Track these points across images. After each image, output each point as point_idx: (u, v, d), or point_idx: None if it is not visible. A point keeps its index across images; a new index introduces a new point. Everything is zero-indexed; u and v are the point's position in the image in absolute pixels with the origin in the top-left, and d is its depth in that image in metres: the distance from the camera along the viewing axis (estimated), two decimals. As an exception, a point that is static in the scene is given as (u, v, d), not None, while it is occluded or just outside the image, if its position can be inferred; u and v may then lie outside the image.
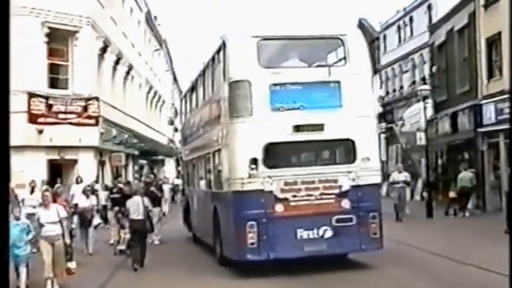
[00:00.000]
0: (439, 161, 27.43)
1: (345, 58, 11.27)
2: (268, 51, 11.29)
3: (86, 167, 22.77)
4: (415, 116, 28.30)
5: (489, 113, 20.99)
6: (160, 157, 44.62)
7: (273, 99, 10.76)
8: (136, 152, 33.82)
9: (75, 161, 22.86)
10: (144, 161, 38.43)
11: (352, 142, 10.97)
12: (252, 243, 10.41)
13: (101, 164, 25.50)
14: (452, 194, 21.69)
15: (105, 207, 16.99)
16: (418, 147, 27.94)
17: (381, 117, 38.47)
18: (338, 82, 11.01)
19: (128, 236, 12.97)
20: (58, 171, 21.67)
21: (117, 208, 15.08)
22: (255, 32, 11.07)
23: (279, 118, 10.69)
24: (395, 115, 35.15)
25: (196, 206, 15.90)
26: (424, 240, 14.49)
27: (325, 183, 10.80)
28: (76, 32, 22.98)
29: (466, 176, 21.12)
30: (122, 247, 14.05)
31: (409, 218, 20.11)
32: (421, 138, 26.34)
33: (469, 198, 21.29)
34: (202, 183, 14.70)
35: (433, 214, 20.46)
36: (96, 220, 15.19)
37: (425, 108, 24.12)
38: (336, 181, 10.84)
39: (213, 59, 12.66)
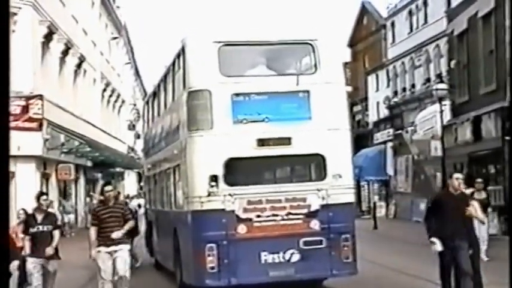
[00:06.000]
0: (459, 176, 27.29)
1: (315, 65, 12.40)
2: (230, 58, 12.32)
3: (26, 181, 22.66)
4: (429, 120, 28.46)
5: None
6: (118, 169, 44.52)
7: (235, 111, 11.80)
8: (89, 163, 33.78)
9: (12, 174, 22.48)
10: (98, 174, 38.41)
11: (323, 157, 12.06)
12: (212, 268, 11.44)
13: (45, 177, 25.33)
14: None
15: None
16: (433, 158, 27.97)
17: (388, 122, 38.53)
18: (307, 92, 12.08)
19: None
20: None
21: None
22: (216, 37, 12.23)
23: (241, 131, 11.76)
24: (405, 120, 35.43)
25: (158, 228, 17.13)
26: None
27: (293, 202, 11.84)
28: (13, 14, 22.70)
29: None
30: None
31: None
32: (436, 148, 26.47)
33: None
34: (163, 202, 15.87)
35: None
36: None
37: (441, 111, 24.34)
38: (304, 200, 11.88)
39: (173, 64, 13.82)
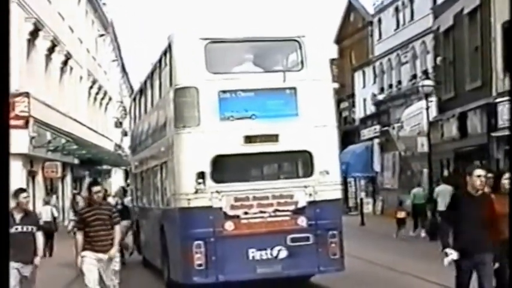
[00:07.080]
0: (445, 172, 27.47)
1: (302, 62, 12.42)
2: (217, 55, 12.35)
3: (12, 179, 22.19)
4: (416, 117, 28.56)
5: (505, 113, 21.02)
6: (105, 167, 44.39)
7: (222, 108, 11.82)
8: (75, 161, 33.65)
9: (-2, 172, 22.33)
10: (85, 172, 38.23)
11: (310, 154, 12.09)
12: (200, 265, 11.47)
13: (32, 175, 25.16)
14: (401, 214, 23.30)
15: None
16: (420, 154, 28.04)
17: (374, 118, 38.59)
18: (294, 88, 12.12)
19: None
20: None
21: None
22: (203, 34, 12.25)
23: (228, 128, 11.79)
24: (391, 116, 35.50)
25: (145, 225, 17.18)
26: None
27: (280, 199, 11.87)
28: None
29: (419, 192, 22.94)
30: None
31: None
32: (422, 144, 26.54)
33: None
34: (150, 199, 15.94)
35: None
36: None
37: (427, 107, 24.38)
38: (291, 197, 11.92)
39: (160, 61, 13.81)
